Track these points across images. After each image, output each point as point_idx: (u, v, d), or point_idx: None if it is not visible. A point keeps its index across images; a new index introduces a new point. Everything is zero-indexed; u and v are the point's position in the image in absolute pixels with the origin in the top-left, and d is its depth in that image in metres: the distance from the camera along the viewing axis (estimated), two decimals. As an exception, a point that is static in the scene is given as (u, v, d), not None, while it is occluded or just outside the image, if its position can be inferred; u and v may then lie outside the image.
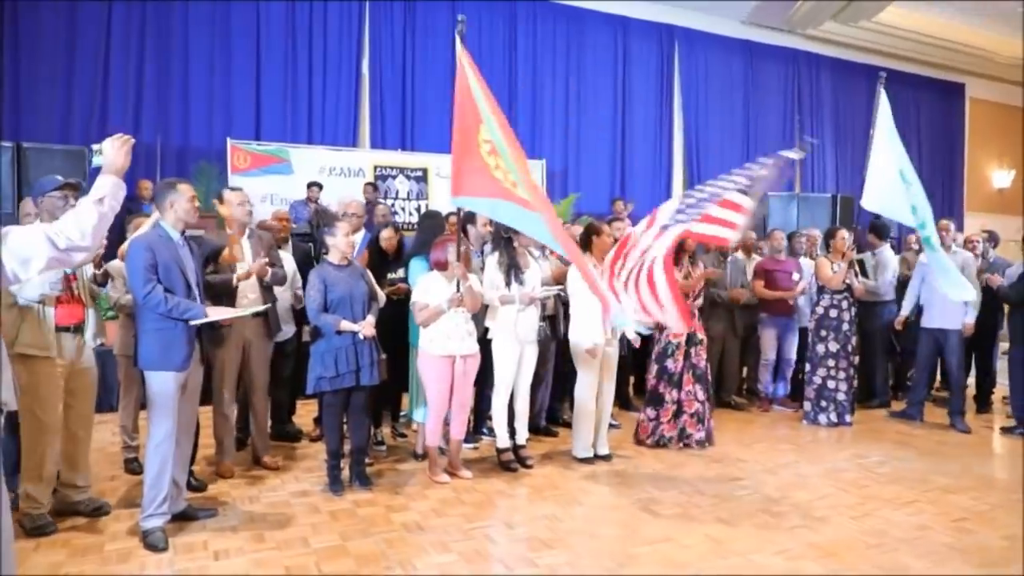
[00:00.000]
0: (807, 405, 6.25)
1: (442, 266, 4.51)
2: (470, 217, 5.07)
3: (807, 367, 6.27)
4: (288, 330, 5.10)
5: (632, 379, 6.98)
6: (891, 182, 5.35)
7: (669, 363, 5.33)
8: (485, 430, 5.46)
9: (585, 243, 5.01)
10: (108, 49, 9.14)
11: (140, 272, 3.48)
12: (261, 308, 4.22)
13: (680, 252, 5.38)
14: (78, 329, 3.80)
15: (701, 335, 5.42)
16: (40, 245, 1.84)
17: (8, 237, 1.80)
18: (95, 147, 2.47)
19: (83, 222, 1.97)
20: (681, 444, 5.35)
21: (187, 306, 3.53)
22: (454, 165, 4.23)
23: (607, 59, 12.38)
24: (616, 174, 12.60)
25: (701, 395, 5.37)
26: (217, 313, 3.64)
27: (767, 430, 6.08)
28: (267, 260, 4.48)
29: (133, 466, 4.64)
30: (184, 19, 9.53)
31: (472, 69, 4.21)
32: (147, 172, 8.76)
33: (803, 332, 6.62)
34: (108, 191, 2.13)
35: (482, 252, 5.11)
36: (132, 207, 7.09)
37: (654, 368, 5.41)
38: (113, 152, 2.30)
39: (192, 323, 3.57)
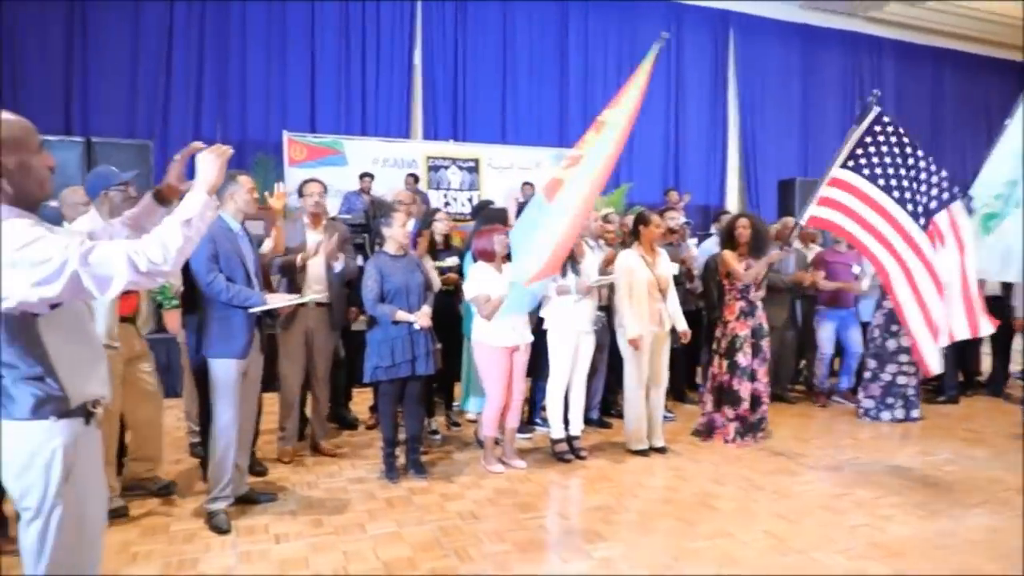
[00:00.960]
0: (868, 402, 6.07)
1: (487, 256, 4.51)
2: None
3: (871, 363, 6.07)
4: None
5: (687, 371, 6.87)
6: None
7: (739, 357, 5.16)
8: (539, 420, 5.45)
9: (634, 232, 4.97)
10: (170, 46, 9.40)
11: (203, 262, 3.56)
12: (319, 296, 4.27)
13: (739, 243, 5.25)
14: (134, 319, 3.93)
15: (766, 325, 5.29)
16: (121, 266, 1.71)
17: (92, 253, 1.71)
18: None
19: (168, 244, 1.78)
20: (756, 437, 5.23)
21: (247, 294, 3.61)
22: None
23: (660, 55, 12.17)
24: (669, 164, 12.45)
25: (765, 387, 5.25)
26: (277, 300, 3.71)
27: (825, 425, 5.93)
28: (336, 245, 4.50)
29: (197, 450, 4.76)
30: (242, 16, 9.73)
31: (644, 74, 4.32)
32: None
33: (865, 326, 6.42)
34: (197, 211, 1.87)
35: None
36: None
37: (724, 363, 5.24)
38: (207, 166, 2.00)
39: (252, 310, 3.64)
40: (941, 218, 4.31)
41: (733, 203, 13.00)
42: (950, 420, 6.12)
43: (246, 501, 3.92)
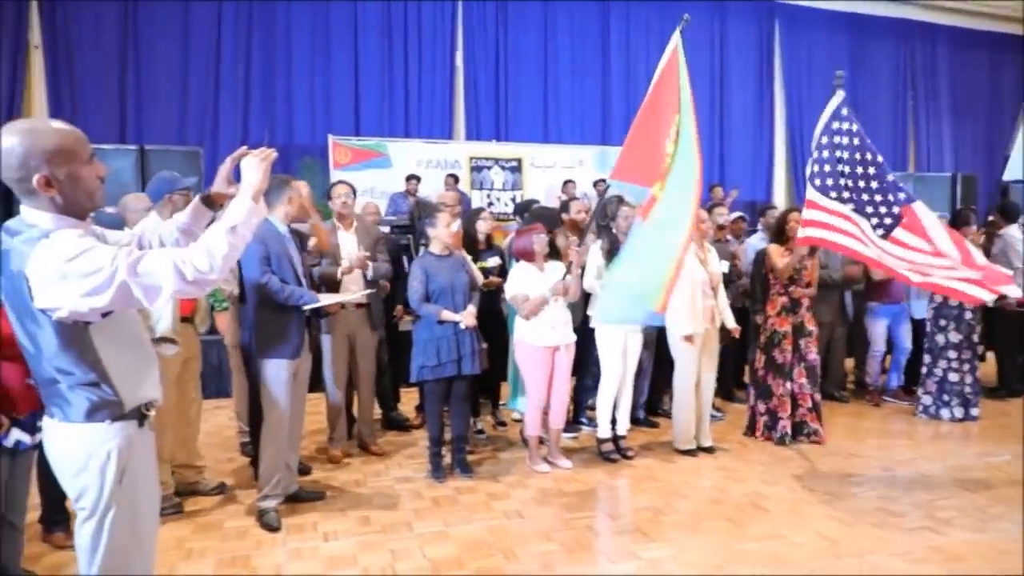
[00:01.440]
0: (926, 399, 5.88)
1: (527, 255, 4.49)
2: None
3: (926, 358, 5.89)
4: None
5: (735, 369, 6.75)
6: None
7: (776, 353, 5.10)
8: (584, 420, 5.42)
9: None
10: (219, 56, 9.62)
11: (256, 263, 3.63)
12: (369, 292, 4.33)
13: (789, 238, 5.13)
14: (191, 319, 4.02)
15: (811, 326, 5.15)
16: (168, 276, 1.72)
17: (140, 263, 1.72)
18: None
19: (214, 252, 1.76)
20: (803, 439, 5.10)
21: (300, 292, 3.69)
22: (627, 147, 4.16)
23: (702, 43, 12.03)
24: (714, 161, 12.26)
25: (809, 387, 5.12)
26: (328, 298, 3.79)
27: (880, 424, 5.76)
28: (367, 254, 4.58)
29: (247, 449, 4.85)
30: (287, 23, 9.91)
31: (683, 63, 4.20)
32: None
33: (920, 323, 6.22)
34: (242, 218, 1.83)
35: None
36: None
37: (762, 358, 5.19)
38: (251, 171, 1.96)
39: (305, 308, 3.71)
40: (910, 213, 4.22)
41: (780, 198, 12.74)
42: (1011, 419, 5.89)
43: (295, 499, 3.99)
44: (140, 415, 1.88)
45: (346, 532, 3.64)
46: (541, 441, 4.70)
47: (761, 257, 5.34)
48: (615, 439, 4.84)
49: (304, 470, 4.44)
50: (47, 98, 9.13)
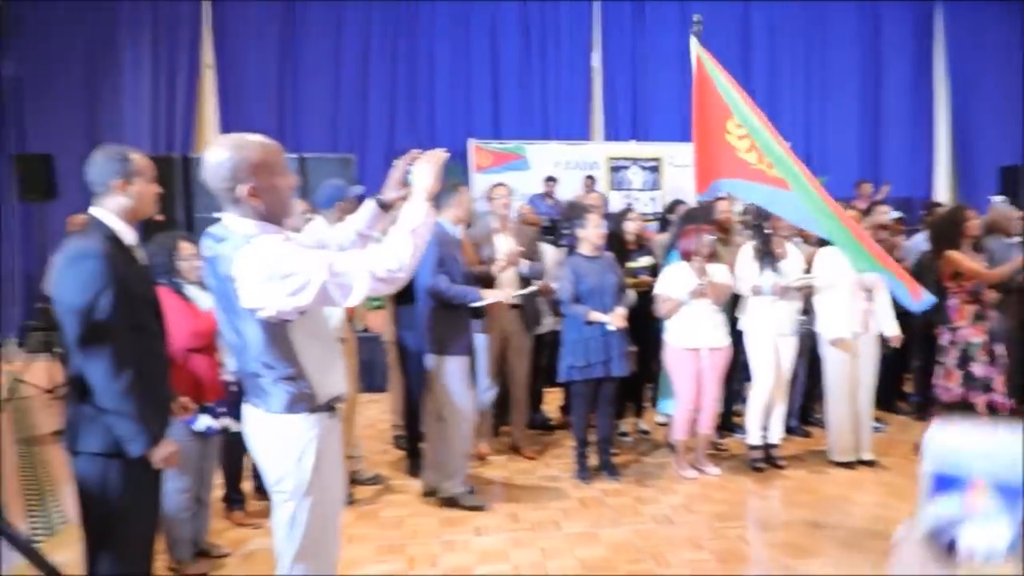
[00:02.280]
0: None
1: (691, 256, 4.42)
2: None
3: None
4: (548, 323, 5.24)
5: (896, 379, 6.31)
6: None
7: (975, 368, 4.55)
8: (732, 426, 5.26)
9: None
10: (366, 67, 10.15)
11: (431, 265, 3.80)
12: (531, 290, 4.38)
13: (965, 238, 4.72)
14: (351, 317, 4.25)
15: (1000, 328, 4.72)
16: (362, 275, 1.84)
17: (336, 264, 1.85)
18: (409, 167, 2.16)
19: (400, 252, 1.88)
20: None
21: (465, 290, 3.85)
22: (697, 157, 4.12)
23: (853, 35, 11.37)
24: (866, 156, 11.54)
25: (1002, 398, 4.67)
26: (491, 295, 3.92)
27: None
28: (521, 249, 4.62)
29: (401, 443, 5.06)
30: (430, 31, 10.29)
31: (712, 63, 4.13)
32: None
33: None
34: (420, 219, 1.95)
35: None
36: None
37: (957, 375, 4.56)
38: (424, 174, 2.04)
39: (472, 305, 3.87)
40: None
41: (943, 193, 11.80)
42: None
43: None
44: (330, 407, 2.02)
45: (496, 528, 3.73)
46: (689, 446, 4.61)
47: (928, 260, 4.96)
48: (767, 448, 4.67)
49: None
50: (218, 113, 9.97)
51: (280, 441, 1.95)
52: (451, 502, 3.95)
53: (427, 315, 3.92)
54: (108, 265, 2.20)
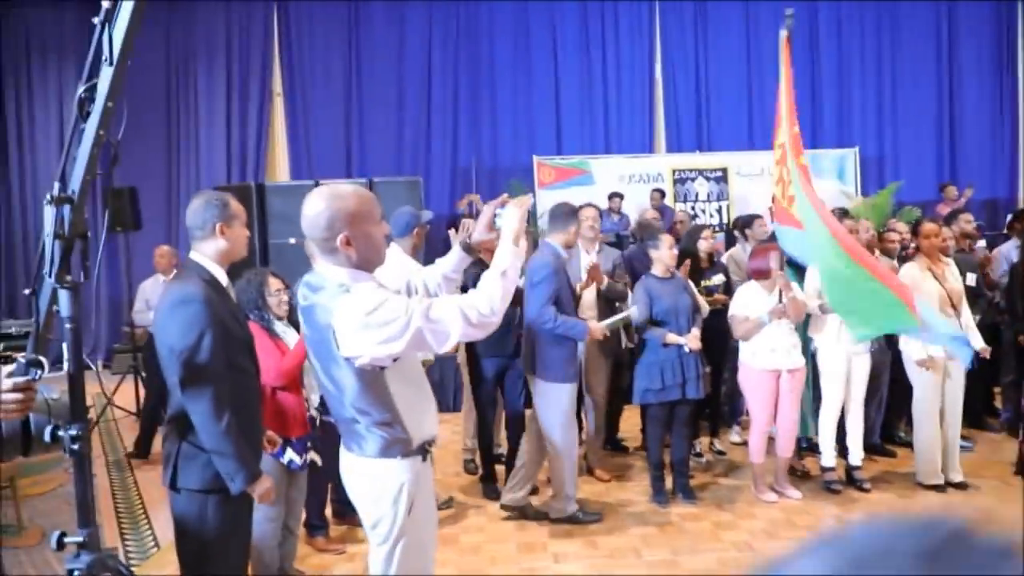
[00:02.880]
0: None
1: (762, 275, 4.33)
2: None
3: None
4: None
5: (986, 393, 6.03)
6: None
7: None
8: (804, 445, 5.09)
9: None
10: (429, 88, 10.30)
11: (542, 296, 3.86)
12: (628, 313, 4.32)
13: None
14: None
15: None
16: (457, 322, 1.87)
17: (431, 311, 1.88)
18: (497, 211, 2.28)
19: (492, 296, 1.91)
20: None
21: (573, 327, 3.89)
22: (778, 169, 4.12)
23: (927, 30, 10.95)
24: (944, 157, 11.08)
25: None
26: (597, 327, 3.99)
27: None
28: (598, 263, 4.57)
29: (470, 467, 5.08)
30: (490, 50, 10.38)
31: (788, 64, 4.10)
32: (465, 191, 9.67)
33: None
34: (509, 263, 1.97)
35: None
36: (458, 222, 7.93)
37: None
38: (511, 218, 2.06)
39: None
40: None
41: (1027, 194, 11.28)
42: None
43: (524, 516, 4.13)
44: (424, 451, 2.06)
45: (575, 555, 3.72)
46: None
47: (1021, 269, 4.76)
48: (848, 469, 4.53)
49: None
50: (287, 139, 10.29)
51: (376, 485, 2.00)
52: (570, 520, 4.05)
53: (534, 340, 3.99)
54: (208, 308, 2.31)
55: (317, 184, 8.24)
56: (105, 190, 8.04)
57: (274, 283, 3.32)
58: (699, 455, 5.10)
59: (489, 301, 1.90)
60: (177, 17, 9.90)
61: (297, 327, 3.33)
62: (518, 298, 4.13)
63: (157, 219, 9.47)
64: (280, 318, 3.32)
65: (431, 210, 4.69)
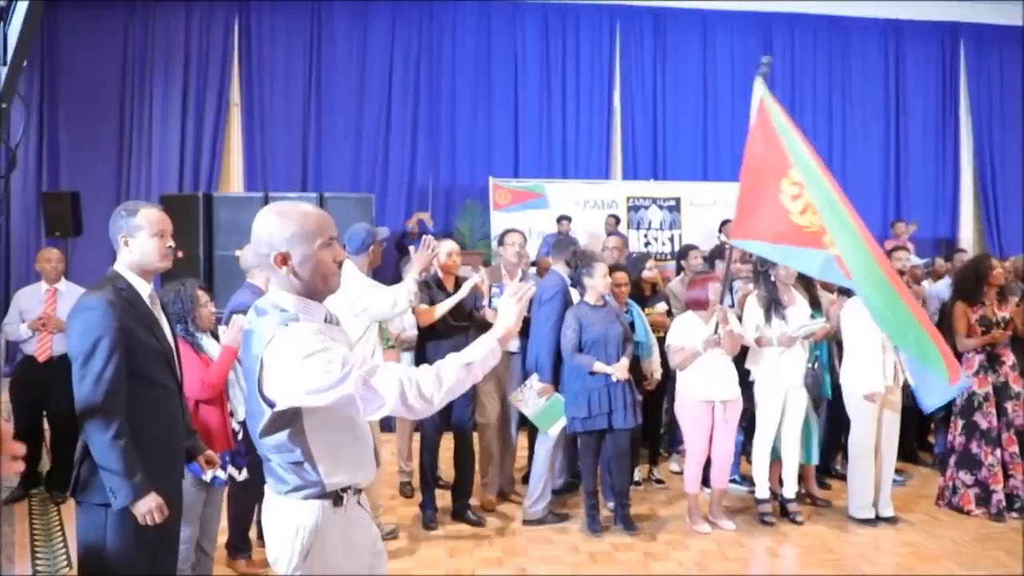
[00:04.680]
0: None
1: (700, 305, 4.36)
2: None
3: None
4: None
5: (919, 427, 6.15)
6: None
7: (979, 418, 4.57)
8: (737, 478, 5.12)
9: None
10: (390, 105, 10.25)
11: (549, 321, 4.36)
12: None
13: (990, 288, 4.66)
14: None
15: (1017, 387, 4.62)
16: (392, 395, 1.72)
17: (372, 378, 1.72)
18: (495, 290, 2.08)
19: (442, 385, 1.75)
20: (1014, 515, 4.52)
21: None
22: (739, 205, 3.96)
23: (876, 68, 11.32)
24: (889, 193, 11.43)
25: (1021, 457, 4.55)
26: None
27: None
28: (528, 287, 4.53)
29: (406, 490, 4.99)
30: (452, 70, 10.40)
31: (778, 109, 3.93)
32: (421, 211, 9.61)
33: None
34: (480, 357, 1.80)
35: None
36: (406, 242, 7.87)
37: (959, 423, 4.66)
38: (509, 311, 1.88)
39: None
40: None
41: (968, 233, 11.64)
42: None
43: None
44: (337, 496, 1.87)
45: (505, 584, 3.66)
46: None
47: (948, 310, 4.87)
48: (782, 502, 4.56)
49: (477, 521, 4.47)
50: (243, 150, 10.13)
51: (280, 522, 1.88)
52: (539, 522, 4.37)
53: (549, 356, 4.31)
54: (108, 315, 2.28)
55: (267, 197, 8.15)
56: (42, 195, 7.88)
57: (203, 296, 3.24)
58: (637, 483, 5.09)
59: (436, 388, 1.75)
60: (134, 23, 9.72)
61: (218, 339, 3.27)
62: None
63: (103, 226, 9.21)
64: (203, 331, 3.24)
65: (386, 228, 4.60)
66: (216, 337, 3.32)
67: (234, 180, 10.16)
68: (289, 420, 1.80)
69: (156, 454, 2.38)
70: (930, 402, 3.61)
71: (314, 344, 1.73)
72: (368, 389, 1.71)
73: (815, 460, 4.80)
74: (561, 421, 4.27)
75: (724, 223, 8.87)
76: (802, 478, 4.73)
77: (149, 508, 2.28)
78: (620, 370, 4.17)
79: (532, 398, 4.34)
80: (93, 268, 6.42)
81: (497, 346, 1.84)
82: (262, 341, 1.78)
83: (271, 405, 1.78)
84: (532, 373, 4.40)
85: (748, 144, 3.98)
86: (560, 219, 8.94)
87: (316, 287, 1.87)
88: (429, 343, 4.23)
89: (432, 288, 4.25)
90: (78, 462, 2.35)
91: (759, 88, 4.01)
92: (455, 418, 4.37)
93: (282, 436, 1.81)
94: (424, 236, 4.08)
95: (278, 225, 1.82)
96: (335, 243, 1.89)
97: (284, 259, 1.81)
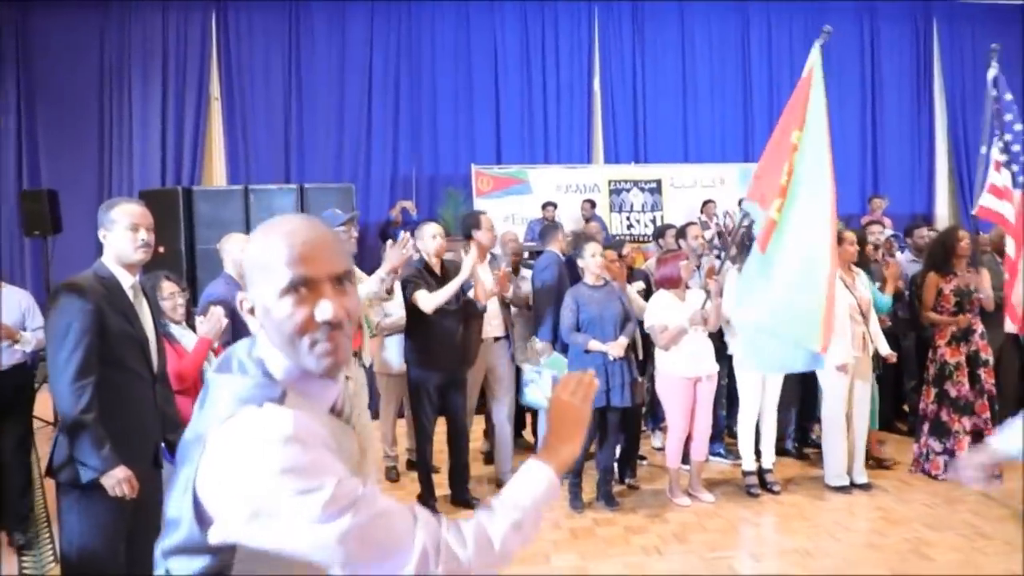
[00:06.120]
0: None
1: (672, 283, 4.43)
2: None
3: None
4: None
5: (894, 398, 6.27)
6: None
7: (949, 387, 4.68)
8: (722, 451, 5.23)
9: None
10: (370, 95, 10.28)
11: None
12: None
13: (959, 260, 4.76)
14: (359, 352, 4.27)
15: (987, 355, 4.74)
16: (407, 551, 1.04)
17: (377, 523, 1.04)
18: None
19: (497, 553, 1.12)
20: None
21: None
22: (760, 167, 4.17)
23: (852, 48, 11.42)
24: (867, 170, 11.56)
25: (986, 423, 4.67)
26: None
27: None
28: (507, 273, 4.54)
29: (391, 475, 5.05)
30: (432, 59, 10.43)
31: (820, 77, 4.28)
32: (404, 199, 9.64)
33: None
34: (532, 503, 1.20)
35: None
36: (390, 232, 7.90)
37: (932, 392, 4.78)
38: (571, 440, 1.31)
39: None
40: None
41: (943, 208, 11.81)
42: None
43: None
44: None
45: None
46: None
47: (920, 280, 4.98)
48: (760, 472, 4.67)
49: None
50: (224, 143, 10.12)
51: None
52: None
53: (549, 315, 4.60)
54: (82, 299, 2.40)
55: (247, 189, 8.17)
56: (20, 194, 7.84)
57: (167, 287, 3.29)
58: (643, 458, 5.16)
59: (493, 557, 1.12)
60: (113, 17, 9.70)
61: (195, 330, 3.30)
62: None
63: (87, 223, 9.18)
64: (177, 322, 3.28)
65: (370, 217, 4.63)
66: (193, 328, 3.35)
67: (216, 173, 10.17)
68: (214, 549, 1.07)
69: (124, 438, 2.43)
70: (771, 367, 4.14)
71: (295, 454, 1.01)
72: (378, 544, 1.05)
73: (876, 425, 4.97)
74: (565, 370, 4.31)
75: (705, 203, 8.99)
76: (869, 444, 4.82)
77: (118, 479, 2.35)
78: (617, 348, 4.22)
79: (534, 358, 4.53)
80: (76, 266, 6.39)
81: (556, 481, 1.26)
82: (213, 412, 1.08)
83: (202, 521, 1.05)
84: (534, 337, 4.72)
85: (790, 101, 4.30)
86: (545, 205, 9.01)
87: (281, 346, 1.12)
88: (418, 327, 4.24)
89: (424, 275, 4.24)
90: (54, 442, 2.46)
91: (814, 54, 4.33)
92: (451, 406, 4.38)
93: (195, 564, 1.08)
94: (403, 233, 3.95)
95: (244, 256, 1.18)
96: (329, 287, 1.11)
97: (251, 307, 1.15)
